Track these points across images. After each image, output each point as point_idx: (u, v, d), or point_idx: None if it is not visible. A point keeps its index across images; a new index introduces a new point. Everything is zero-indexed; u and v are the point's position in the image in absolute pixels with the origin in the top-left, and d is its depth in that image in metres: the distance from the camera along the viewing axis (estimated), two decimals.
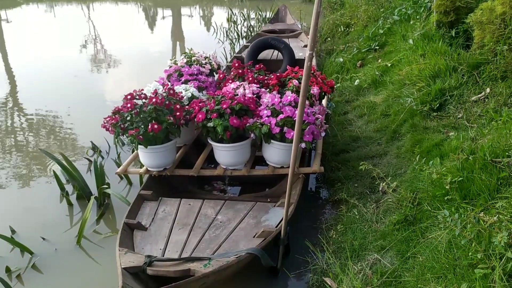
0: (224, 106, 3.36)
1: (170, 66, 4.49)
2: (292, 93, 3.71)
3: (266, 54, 6.87)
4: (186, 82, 4.08)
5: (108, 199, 3.82)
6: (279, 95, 3.49)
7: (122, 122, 3.37)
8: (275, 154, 3.49)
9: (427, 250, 2.54)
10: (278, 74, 4.13)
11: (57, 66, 8.40)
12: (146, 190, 3.40)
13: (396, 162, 3.72)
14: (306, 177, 3.69)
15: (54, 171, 3.91)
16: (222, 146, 3.44)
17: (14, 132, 5.55)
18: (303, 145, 3.32)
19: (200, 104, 3.50)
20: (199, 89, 4.05)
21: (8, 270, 3.02)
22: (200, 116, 3.40)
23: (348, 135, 4.45)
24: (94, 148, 4.71)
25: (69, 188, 3.99)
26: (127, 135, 3.33)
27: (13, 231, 3.43)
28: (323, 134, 3.48)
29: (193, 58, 4.53)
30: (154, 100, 3.37)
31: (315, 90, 3.79)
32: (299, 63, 6.40)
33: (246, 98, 3.51)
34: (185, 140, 3.98)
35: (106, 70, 8.30)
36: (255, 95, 3.72)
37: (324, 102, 4.46)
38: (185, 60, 4.53)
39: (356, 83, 5.45)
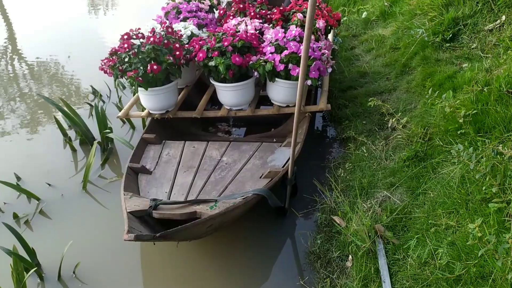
0: (226, 43, 3.19)
1: (168, 3, 4.26)
2: (296, 27, 3.53)
3: None
4: (185, 19, 3.87)
5: (111, 144, 3.76)
6: (283, 30, 3.31)
7: (120, 63, 3.23)
8: (280, 92, 3.36)
9: (439, 185, 2.47)
10: (281, 8, 3.90)
11: (53, 10, 8.09)
12: (149, 134, 3.32)
13: (406, 97, 3.59)
14: (313, 115, 3.58)
15: (55, 117, 3.82)
16: (225, 86, 3.32)
17: (16, 78, 5.44)
18: (309, 82, 3.18)
19: (200, 43, 3.33)
20: (199, 26, 3.85)
21: (16, 216, 3.02)
22: (200, 55, 3.25)
23: (356, 71, 4.29)
24: (95, 92, 4.59)
25: (72, 134, 3.92)
26: (126, 77, 3.20)
27: (18, 178, 3.40)
28: (329, 70, 3.33)
29: None
30: (152, 39, 3.20)
31: (320, 23, 3.60)
32: None
33: (248, 34, 3.33)
34: (187, 81, 3.84)
35: (104, 12, 8.00)
36: (257, 31, 3.54)
37: (330, 36, 4.26)
38: None
39: (363, 16, 5.19)
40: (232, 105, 3.45)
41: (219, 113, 3.46)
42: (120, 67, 3.23)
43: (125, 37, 3.36)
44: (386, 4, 4.97)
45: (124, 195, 2.54)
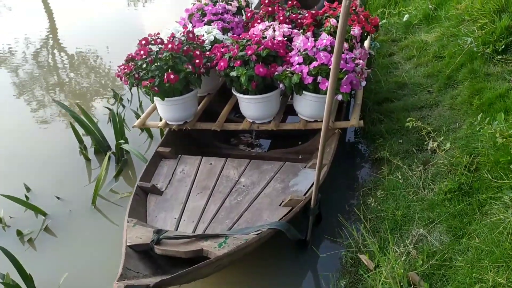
0: (249, 52, 2.91)
1: (194, 4, 4.01)
2: (328, 35, 3.21)
3: None
4: (209, 22, 3.61)
5: (126, 154, 3.56)
6: (313, 39, 2.99)
7: (137, 70, 3.01)
8: (308, 106, 3.06)
9: (485, 229, 2.13)
10: (313, 12, 3.58)
11: (95, 1, 8.03)
12: (164, 147, 3.09)
13: (450, 114, 3.21)
14: (343, 131, 3.26)
15: (71, 123, 3.65)
16: (247, 98, 3.04)
17: (56, 68, 5.39)
18: (339, 97, 2.87)
19: (222, 50, 3.06)
20: (224, 30, 3.58)
21: (19, 233, 2.86)
22: (222, 63, 2.98)
23: (394, 81, 3.91)
24: (115, 95, 4.40)
25: (88, 140, 3.75)
26: (141, 86, 2.97)
27: (28, 189, 3.25)
28: (363, 83, 3.00)
29: None
30: (170, 46, 2.96)
31: (356, 30, 3.26)
32: None
33: (275, 42, 3.04)
34: (209, 89, 3.59)
35: (143, 4, 7.91)
36: (285, 38, 3.24)
37: (366, 43, 3.91)
38: None
39: (405, 19, 4.78)
40: (255, 118, 3.17)
41: (240, 126, 3.19)
42: (136, 75, 3.01)
43: (143, 42, 3.14)
44: (430, 6, 4.54)
45: (128, 222, 2.32)
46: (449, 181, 2.52)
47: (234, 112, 3.70)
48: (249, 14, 3.73)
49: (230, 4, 3.90)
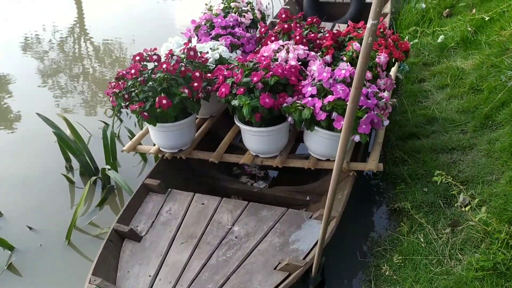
0: (255, 79, 2.51)
1: (204, 13, 3.63)
2: (349, 62, 2.79)
3: None
4: (217, 37, 3.22)
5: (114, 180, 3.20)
6: (330, 68, 2.57)
7: (127, 90, 2.65)
8: (320, 143, 2.65)
9: None
10: (335, 32, 3.16)
11: None
12: (153, 179, 2.72)
13: (486, 163, 2.75)
14: (359, 173, 2.83)
15: (58, 139, 3.29)
16: (250, 130, 2.65)
17: (81, 59, 5.31)
18: (356, 138, 2.45)
19: (225, 73, 2.67)
20: (233, 47, 3.18)
21: None
22: (223, 89, 2.59)
23: (422, 113, 3.45)
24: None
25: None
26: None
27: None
28: (386, 122, 2.56)
29: (232, 4, 3.62)
30: (165, 66, 2.58)
31: (382, 58, 2.82)
32: (371, 6, 5.27)
33: (286, 67, 2.63)
34: (212, 111, 3.21)
35: None
36: (300, 62, 2.83)
37: (393, 71, 3.47)
38: (221, 7, 3.64)
39: (439, 40, 4.30)
40: (259, 152, 2.78)
41: (241, 159, 2.79)
42: (126, 95, 2.65)
43: (137, 58, 2.76)
44: (469, 29, 4.05)
45: (89, 283, 1.95)
46: (482, 256, 2.08)
47: (240, 137, 3.31)
48: (263, 30, 3.32)
49: (244, 16, 3.50)
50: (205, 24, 3.32)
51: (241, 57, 3.13)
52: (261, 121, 2.58)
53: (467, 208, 2.23)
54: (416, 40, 4.50)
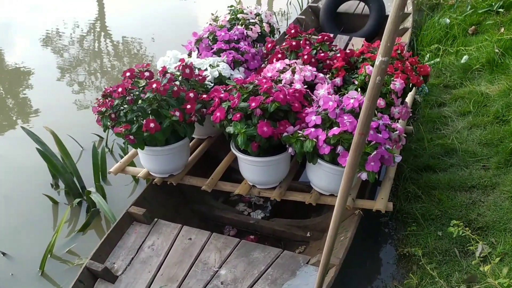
0: (253, 104, 2.26)
1: (209, 24, 3.40)
2: (360, 88, 2.53)
3: (349, 6, 5.48)
4: (219, 52, 2.97)
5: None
6: (338, 96, 2.30)
7: (114, 110, 2.42)
8: (323, 177, 2.39)
9: None
10: (348, 51, 2.88)
11: None
12: (138, 207, 2.48)
13: (509, 206, 2.46)
14: (365, 212, 2.55)
15: (41, 156, 3.03)
16: (247, 160, 2.40)
17: (100, 56, 5.29)
18: (363, 176, 2.18)
19: (222, 95, 2.43)
20: (236, 63, 2.93)
21: None
22: (218, 114, 2.35)
23: (440, 143, 3.15)
24: None
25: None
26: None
27: None
28: (398, 159, 2.28)
29: (239, 16, 3.38)
30: (154, 86, 2.35)
31: (397, 85, 2.54)
32: None
33: (289, 92, 2.37)
34: (210, 131, 2.97)
35: None
36: (306, 86, 2.57)
37: (410, 97, 3.19)
38: (228, 18, 3.40)
39: (463, 61, 3.99)
40: (256, 183, 2.53)
41: (236, 189, 2.54)
42: (113, 115, 2.42)
43: (127, 74, 2.54)
44: (496, 50, 3.73)
45: None
46: None
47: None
48: (269, 45, 3.06)
49: (251, 29, 3.25)
50: (207, 37, 3.07)
51: (242, 75, 2.90)
52: (259, 150, 2.33)
53: (486, 268, 1.93)
54: (438, 59, 4.19)
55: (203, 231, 2.39)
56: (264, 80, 2.43)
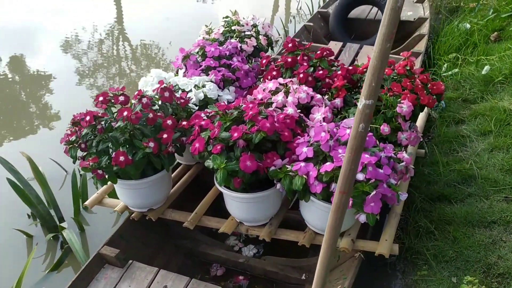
0: (236, 134, 1.97)
1: (202, 37, 3.13)
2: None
3: (361, 11, 5.16)
4: (207, 70, 2.69)
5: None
6: (333, 125, 2.00)
7: (83, 139, 2.17)
8: (316, 216, 2.10)
9: None
10: (350, 68, 2.57)
11: None
12: (111, 247, 2.22)
13: None
14: (366, 254, 2.23)
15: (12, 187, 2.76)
16: (231, 196, 2.12)
17: (119, 60, 5.30)
18: (362, 218, 1.87)
19: (203, 123, 2.15)
20: (226, 82, 2.65)
21: None
22: (197, 145, 2.07)
23: (457, 168, 2.81)
24: None
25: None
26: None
27: None
28: (403, 197, 1.96)
29: (234, 28, 3.09)
30: (125, 113, 2.08)
31: (404, 108, 2.22)
32: (405, 26, 4.63)
33: (279, 117, 2.08)
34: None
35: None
36: (301, 109, 2.27)
37: (421, 120, 2.86)
38: (222, 30, 3.13)
39: (484, 72, 3.62)
40: (244, 220, 2.25)
41: (222, 227, 2.26)
42: (83, 145, 2.17)
43: (100, 98, 2.28)
44: None
45: None
46: None
47: None
48: (264, 61, 2.77)
49: (246, 43, 2.97)
50: (197, 53, 2.80)
51: (232, 96, 2.61)
52: (244, 185, 2.04)
53: None
54: (456, 70, 3.82)
55: (182, 277, 2.12)
56: (250, 105, 2.14)
